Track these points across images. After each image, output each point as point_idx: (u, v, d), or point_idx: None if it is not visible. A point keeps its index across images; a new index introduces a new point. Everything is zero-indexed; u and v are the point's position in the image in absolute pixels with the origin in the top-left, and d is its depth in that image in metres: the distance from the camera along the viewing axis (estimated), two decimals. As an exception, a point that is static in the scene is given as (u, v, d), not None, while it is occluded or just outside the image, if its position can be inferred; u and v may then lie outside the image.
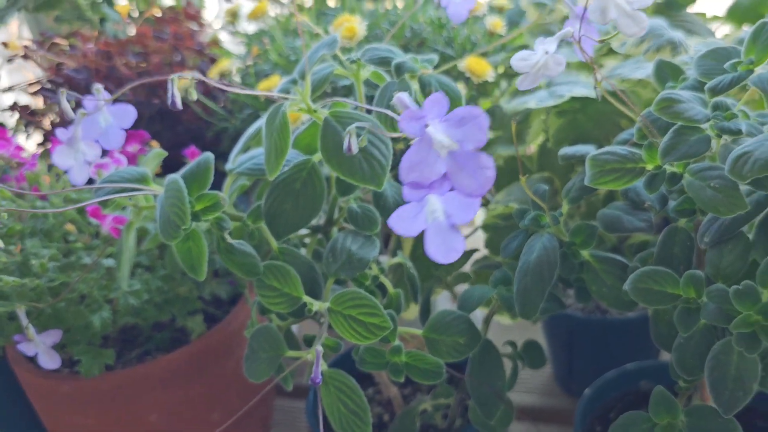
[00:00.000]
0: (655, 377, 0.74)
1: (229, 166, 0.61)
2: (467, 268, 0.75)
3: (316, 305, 0.56)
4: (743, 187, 0.52)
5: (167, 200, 0.52)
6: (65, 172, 0.60)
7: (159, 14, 0.94)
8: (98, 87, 0.59)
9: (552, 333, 0.92)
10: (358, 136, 0.42)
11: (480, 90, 0.79)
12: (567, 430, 0.90)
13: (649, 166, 0.55)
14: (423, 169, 0.37)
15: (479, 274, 0.77)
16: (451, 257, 0.40)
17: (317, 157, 0.58)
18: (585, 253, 0.60)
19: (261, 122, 0.57)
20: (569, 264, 0.60)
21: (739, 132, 0.50)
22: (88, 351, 0.66)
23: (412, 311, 0.78)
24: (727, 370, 0.49)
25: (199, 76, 0.56)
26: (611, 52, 0.80)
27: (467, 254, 0.74)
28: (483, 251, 0.78)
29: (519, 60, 0.46)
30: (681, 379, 0.56)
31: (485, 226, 0.69)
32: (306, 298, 0.56)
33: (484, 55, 0.79)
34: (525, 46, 0.79)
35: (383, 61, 0.59)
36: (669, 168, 0.54)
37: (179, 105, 0.51)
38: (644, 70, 0.70)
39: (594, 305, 0.91)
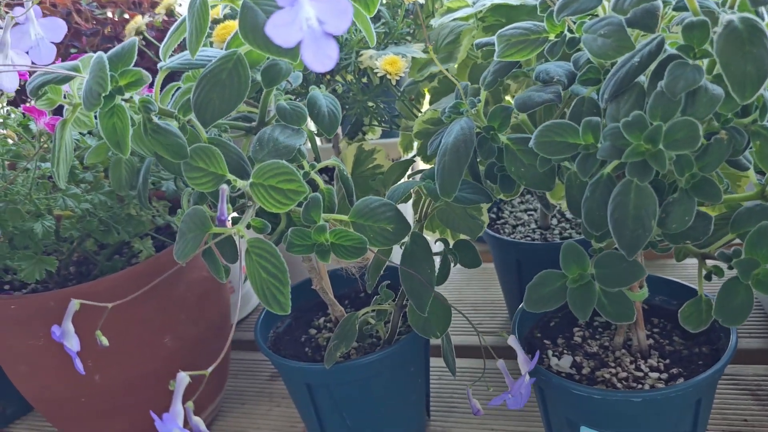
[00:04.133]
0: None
1: (160, 64, 0.64)
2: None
3: (240, 183, 0.58)
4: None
5: (92, 75, 0.55)
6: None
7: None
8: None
9: (501, 268, 0.94)
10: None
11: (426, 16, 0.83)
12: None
13: (551, 36, 0.58)
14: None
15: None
16: (327, 65, 0.42)
17: (244, 49, 0.61)
18: (503, 138, 0.62)
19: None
20: (489, 147, 0.63)
21: (626, -14, 0.53)
22: (30, 257, 0.67)
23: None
24: (627, 210, 0.51)
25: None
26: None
27: (406, 163, 0.76)
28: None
29: None
30: (593, 238, 0.58)
31: (417, 134, 0.72)
32: (230, 176, 0.58)
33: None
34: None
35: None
36: (569, 34, 0.57)
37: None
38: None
39: (540, 235, 0.93)
